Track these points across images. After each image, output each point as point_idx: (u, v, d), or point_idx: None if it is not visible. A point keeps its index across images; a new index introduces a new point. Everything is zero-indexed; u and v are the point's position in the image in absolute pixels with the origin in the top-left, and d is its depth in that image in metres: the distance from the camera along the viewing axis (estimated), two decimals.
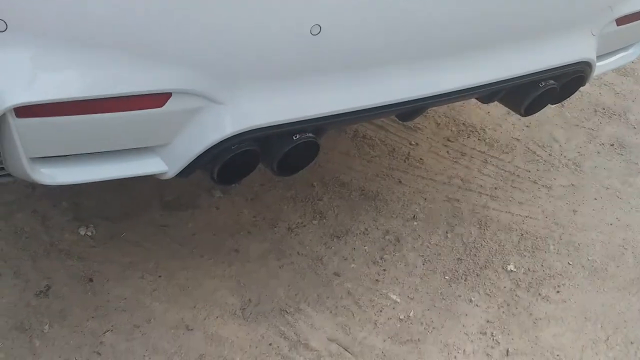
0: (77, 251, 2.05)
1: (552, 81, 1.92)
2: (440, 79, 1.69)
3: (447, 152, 2.69)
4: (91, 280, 1.98)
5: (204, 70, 1.40)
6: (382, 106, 1.64)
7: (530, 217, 2.46)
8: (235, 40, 1.39)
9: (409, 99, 1.67)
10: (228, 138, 1.48)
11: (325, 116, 1.58)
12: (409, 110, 1.80)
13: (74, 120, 1.35)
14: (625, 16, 1.99)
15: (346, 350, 1.92)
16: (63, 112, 1.34)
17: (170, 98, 1.40)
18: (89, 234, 2.10)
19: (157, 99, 1.39)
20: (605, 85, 3.29)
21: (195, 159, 1.50)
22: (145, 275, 2.01)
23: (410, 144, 2.69)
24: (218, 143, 1.48)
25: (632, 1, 1.98)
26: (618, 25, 2.00)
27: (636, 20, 2.04)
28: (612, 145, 2.90)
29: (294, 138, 1.57)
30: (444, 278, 2.18)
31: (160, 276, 2.02)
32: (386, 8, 1.52)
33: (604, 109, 3.12)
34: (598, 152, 2.85)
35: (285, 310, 1.99)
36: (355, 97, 1.59)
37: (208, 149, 1.49)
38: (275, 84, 1.50)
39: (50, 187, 2.19)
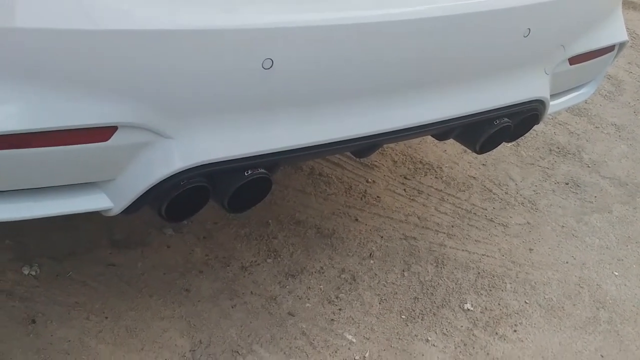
0: (20, 291, 1.96)
1: (506, 119, 1.93)
2: (394, 116, 1.68)
3: (404, 190, 2.67)
4: (34, 321, 1.89)
5: (152, 103, 1.36)
6: (335, 142, 1.62)
7: (487, 255, 2.44)
8: (185, 73, 1.36)
9: (363, 135, 1.65)
10: (177, 173, 1.44)
11: (278, 152, 1.55)
12: (363, 147, 1.78)
13: (15, 155, 1.30)
14: (578, 55, 2.02)
15: None
16: (3, 145, 1.28)
17: (116, 132, 1.35)
18: (33, 273, 2.02)
19: (103, 133, 1.35)
20: (560, 124, 3.33)
21: (142, 195, 1.45)
22: (90, 316, 1.93)
23: (367, 181, 2.67)
24: (166, 179, 1.43)
25: (584, 41, 2.00)
26: (571, 64, 2.02)
27: (588, 59, 2.07)
28: (567, 184, 2.92)
29: (246, 174, 1.53)
30: (401, 317, 2.14)
31: (106, 317, 1.94)
32: (340, 43, 1.50)
33: (558, 148, 3.15)
34: (553, 191, 2.86)
35: (237, 352, 1.92)
36: (308, 133, 1.57)
37: (156, 185, 1.44)
38: (226, 119, 1.46)
39: None
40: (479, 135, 1.94)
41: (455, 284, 2.30)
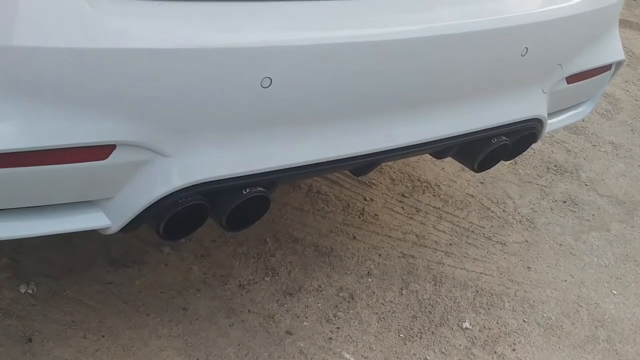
0: (17, 310, 1.95)
1: (504, 137, 1.93)
2: (392, 134, 1.68)
3: (402, 208, 2.67)
4: (30, 340, 1.88)
5: (151, 122, 1.36)
6: (334, 160, 1.62)
7: (485, 274, 2.44)
8: (183, 91, 1.36)
9: (362, 154, 1.65)
10: (175, 192, 1.43)
11: (276, 170, 1.55)
12: (362, 165, 1.78)
13: (12, 173, 1.29)
14: (575, 74, 2.02)
15: None
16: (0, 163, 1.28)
17: (115, 150, 1.35)
18: (30, 291, 2.01)
19: (101, 151, 1.34)
20: (557, 142, 3.33)
21: (140, 213, 1.44)
22: (87, 335, 1.92)
23: (365, 199, 2.67)
24: (164, 197, 1.43)
25: (581, 60, 2.01)
26: (568, 83, 2.03)
27: (586, 78, 2.08)
28: (564, 202, 2.92)
29: (244, 192, 1.53)
30: (399, 336, 2.13)
31: (103, 336, 1.93)
32: (339, 62, 1.51)
33: (556, 166, 3.16)
34: (551, 209, 2.86)
35: None
36: (307, 151, 1.57)
37: (154, 203, 1.43)
38: (224, 137, 1.46)
39: None
40: (477, 154, 1.94)
41: (454, 302, 2.29)
